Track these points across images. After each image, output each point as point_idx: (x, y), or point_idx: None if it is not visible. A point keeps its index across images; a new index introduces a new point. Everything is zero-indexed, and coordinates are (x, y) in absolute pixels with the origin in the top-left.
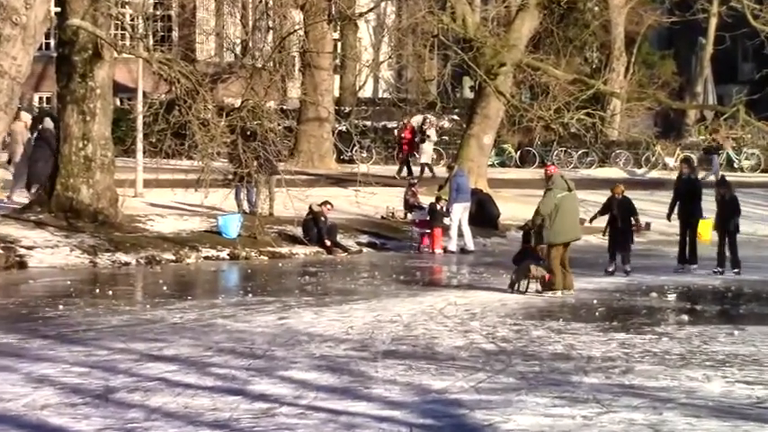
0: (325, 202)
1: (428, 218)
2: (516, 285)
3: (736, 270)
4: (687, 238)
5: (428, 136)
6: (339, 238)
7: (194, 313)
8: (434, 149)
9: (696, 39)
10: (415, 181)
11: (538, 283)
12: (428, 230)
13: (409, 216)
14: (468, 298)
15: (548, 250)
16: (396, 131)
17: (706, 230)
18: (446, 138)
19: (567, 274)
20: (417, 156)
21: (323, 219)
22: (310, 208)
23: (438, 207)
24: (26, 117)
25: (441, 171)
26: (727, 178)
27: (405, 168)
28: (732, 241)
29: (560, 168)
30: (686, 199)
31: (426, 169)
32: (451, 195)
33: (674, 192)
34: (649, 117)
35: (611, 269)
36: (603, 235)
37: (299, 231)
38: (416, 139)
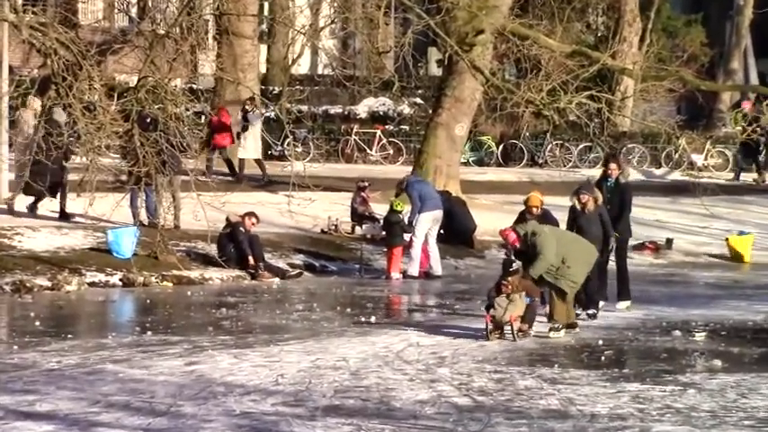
0: (250, 214)
1: (383, 232)
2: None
3: (592, 311)
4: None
5: (249, 122)
6: (267, 258)
7: (76, 357)
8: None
9: (731, 0)
10: (366, 184)
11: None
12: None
13: (358, 230)
14: (435, 338)
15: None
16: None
17: (746, 248)
18: (406, 128)
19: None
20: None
21: (243, 230)
22: (228, 220)
23: (396, 218)
24: (36, 104)
25: (396, 170)
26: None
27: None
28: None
29: (555, 168)
30: (610, 210)
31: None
32: (415, 204)
33: None
34: (671, 101)
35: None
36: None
37: (213, 249)
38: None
